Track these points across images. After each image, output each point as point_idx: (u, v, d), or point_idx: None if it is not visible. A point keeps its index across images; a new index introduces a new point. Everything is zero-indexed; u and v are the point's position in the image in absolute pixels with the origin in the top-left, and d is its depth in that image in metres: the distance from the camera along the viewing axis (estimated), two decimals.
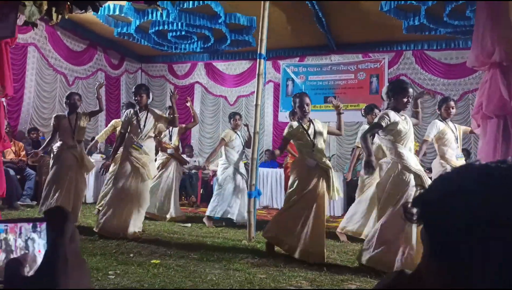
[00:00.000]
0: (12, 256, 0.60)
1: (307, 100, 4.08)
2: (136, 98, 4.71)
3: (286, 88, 10.27)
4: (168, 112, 5.67)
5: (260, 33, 4.62)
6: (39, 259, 0.58)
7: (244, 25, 7.70)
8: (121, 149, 4.84)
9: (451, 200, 0.57)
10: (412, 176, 3.25)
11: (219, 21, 7.47)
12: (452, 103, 4.50)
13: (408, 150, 3.38)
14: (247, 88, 10.49)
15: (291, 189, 3.88)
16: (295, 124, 4.05)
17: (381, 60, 9.58)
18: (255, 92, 4.64)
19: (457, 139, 4.50)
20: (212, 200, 5.68)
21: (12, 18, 2.49)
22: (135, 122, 4.64)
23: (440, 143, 4.42)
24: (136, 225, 4.48)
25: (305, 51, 9.94)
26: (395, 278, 0.78)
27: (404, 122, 3.42)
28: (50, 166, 4.97)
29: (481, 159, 2.02)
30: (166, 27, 7.71)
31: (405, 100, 3.44)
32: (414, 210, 0.65)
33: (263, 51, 4.62)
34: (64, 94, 8.89)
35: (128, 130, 4.68)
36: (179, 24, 7.54)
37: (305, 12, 7.30)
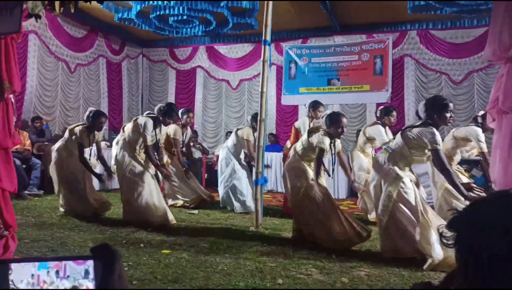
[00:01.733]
0: None
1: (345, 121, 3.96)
2: (169, 120, 4.73)
3: (288, 71, 10.19)
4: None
5: (264, 19, 4.55)
6: None
7: (246, 8, 7.57)
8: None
9: (491, 226, 0.57)
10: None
11: (221, 4, 7.35)
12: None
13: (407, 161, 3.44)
14: (250, 72, 10.40)
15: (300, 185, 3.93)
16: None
17: (385, 41, 9.45)
18: (261, 79, 4.60)
19: None
20: (224, 197, 5.80)
21: (17, 13, 2.46)
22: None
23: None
24: None
25: (308, 33, 9.80)
26: (422, 288, 0.79)
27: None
28: (57, 171, 4.97)
29: (495, 153, 2.02)
30: (167, 11, 7.58)
31: (448, 115, 3.29)
32: (449, 234, 0.65)
33: (268, 37, 4.56)
34: (67, 81, 8.91)
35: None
36: (181, 8, 7.42)
37: None
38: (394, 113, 5.30)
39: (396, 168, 3.37)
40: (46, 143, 7.29)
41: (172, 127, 5.59)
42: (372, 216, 4.99)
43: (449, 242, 0.65)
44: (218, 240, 3.89)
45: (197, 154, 8.39)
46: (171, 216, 4.58)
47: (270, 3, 4.55)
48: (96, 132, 5.03)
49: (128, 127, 4.86)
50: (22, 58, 7.72)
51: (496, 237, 0.57)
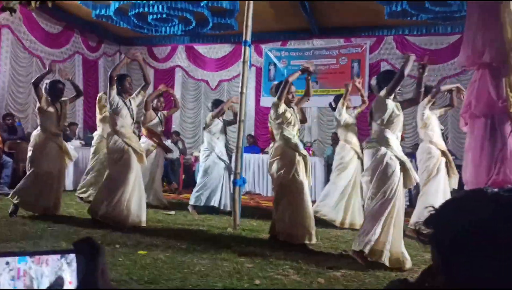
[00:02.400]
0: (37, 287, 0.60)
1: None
2: (126, 85, 4.64)
3: (268, 73, 10.24)
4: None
5: (245, 20, 4.56)
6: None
7: (226, 8, 7.57)
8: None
9: (468, 224, 0.59)
10: (398, 165, 3.32)
11: (201, 4, 7.33)
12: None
13: (395, 137, 3.43)
14: (229, 73, 10.39)
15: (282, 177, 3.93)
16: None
17: (362, 45, 9.62)
18: (241, 80, 4.61)
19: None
20: (195, 189, 5.68)
21: None
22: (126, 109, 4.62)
23: (426, 128, 4.52)
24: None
25: (288, 35, 9.89)
26: (398, 286, 0.81)
27: (396, 108, 3.46)
28: (32, 155, 4.81)
29: (467, 155, 2.09)
30: (146, 9, 7.51)
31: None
32: (426, 231, 0.67)
33: (249, 38, 4.57)
34: None
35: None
36: (160, 6, 7.36)
37: None
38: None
39: (388, 153, 3.32)
40: (18, 140, 7.08)
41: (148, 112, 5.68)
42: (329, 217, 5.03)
43: (426, 239, 0.67)
44: (196, 241, 3.86)
45: (175, 154, 8.32)
46: (144, 218, 4.50)
47: (251, 4, 4.57)
48: (63, 104, 4.94)
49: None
50: None
51: (471, 232, 0.60)
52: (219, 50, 10.51)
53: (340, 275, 3.08)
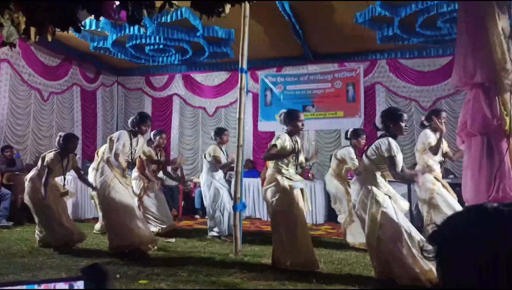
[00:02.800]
0: None
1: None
2: (144, 127, 4.71)
3: (264, 98, 10.36)
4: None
5: (241, 48, 4.66)
6: None
7: (222, 37, 7.73)
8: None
9: (470, 240, 0.60)
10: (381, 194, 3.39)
11: (197, 34, 7.49)
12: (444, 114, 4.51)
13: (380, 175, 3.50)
14: (226, 99, 10.50)
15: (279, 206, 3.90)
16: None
17: (356, 69, 9.78)
18: (238, 106, 4.67)
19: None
20: (211, 220, 5.64)
21: None
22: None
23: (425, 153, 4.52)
24: None
25: (283, 62, 10.06)
26: None
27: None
28: (32, 198, 4.76)
29: (466, 173, 2.12)
30: (143, 40, 7.66)
31: (403, 124, 3.47)
32: (430, 248, 0.68)
33: (245, 65, 4.66)
34: (39, 109, 8.73)
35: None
36: (157, 37, 7.50)
37: (282, 24, 7.40)
38: (364, 135, 5.43)
39: (374, 188, 3.41)
40: (16, 172, 7.06)
41: (146, 148, 5.61)
42: (350, 241, 5.01)
43: (430, 256, 0.68)
44: (197, 268, 3.82)
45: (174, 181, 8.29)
46: (154, 237, 4.53)
47: (246, 33, 4.68)
48: (70, 158, 4.92)
49: (104, 147, 4.82)
50: None
51: (474, 248, 0.60)
52: (216, 78, 10.65)
53: None
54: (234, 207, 4.57)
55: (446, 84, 8.99)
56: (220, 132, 5.78)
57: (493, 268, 0.57)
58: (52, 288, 0.61)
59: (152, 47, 8.02)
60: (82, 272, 0.60)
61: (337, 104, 9.82)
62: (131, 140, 4.62)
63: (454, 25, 6.32)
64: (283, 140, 3.94)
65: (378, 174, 3.47)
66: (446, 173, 7.15)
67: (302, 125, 4.07)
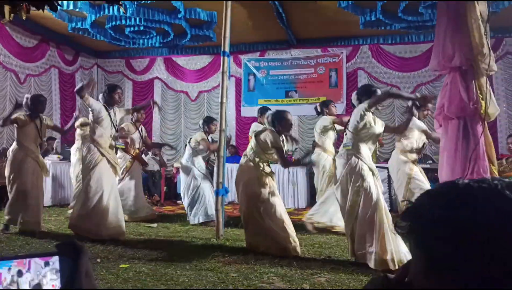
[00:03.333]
0: None
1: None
2: (116, 95, 4.66)
3: (248, 83, 10.30)
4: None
5: (223, 31, 4.60)
6: None
7: (204, 20, 7.62)
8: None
9: (442, 215, 0.62)
10: (366, 168, 3.43)
11: (179, 16, 7.35)
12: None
13: (367, 148, 3.55)
14: (209, 83, 10.41)
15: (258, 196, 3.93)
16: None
17: (339, 55, 9.80)
18: (220, 90, 4.63)
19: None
20: (188, 207, 5.63)
21: None
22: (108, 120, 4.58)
23: (403, 137, 4.63)
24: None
25: (266, 46, 9.99)
26: (379, 283, 0.83)
27: (373, 122, 3.55)
28: (10, 172, 4.70)
29: (443, 156, 2.16)
30: (123, 22, 7.48)
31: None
32: (404, 223, 0.69)
33: (227, 49, 4.60)
34: (16, 92, 8.49)
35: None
36: (137, 19, 7.34)
37: (266, 8, 7.33)
38: (333, 103, 5.55)
39: (360, 161, 3.44)
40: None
41: (124, 124, 5.60)
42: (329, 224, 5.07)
43: (403, 232, 0.69)
44: (179, 253, 3.82)
45: (155, 166, 8.25)
46: (122, 230, 4.46)
47: (228, 15, 4.61)
48: (43, 119, 4.86)
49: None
50: None
51: (445, 222, 0.62)
52: (198, 62, 10.52)
53: (324, 280, 3.10)
54: (217, 192, 4.57)
55: (427, 70, 9.10)
56: (208, 121, 5.76)
57: (464, 243, 0.58)
58: (27, 263, 0.59)
59: (132, 28, 7.85)
60: (57, 248, 0.59)
61: (320, 90, 9.85)
62: (108, 112, 4.57)
63: (436, 11, 6.37)
64: (280, 140, 3.99)
65: (363, 140, 3.50)
66: (424, 158, 7.31)
67: (291, 125, 4.13)
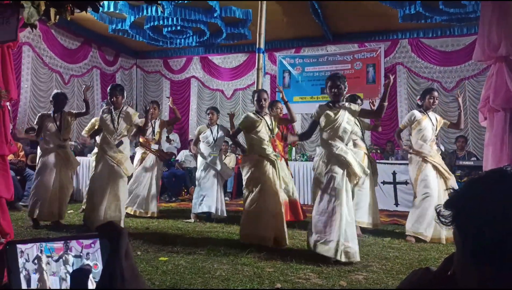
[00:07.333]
0: (62, 274, 0.62)
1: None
2: (112, 99, 4.80)
3: (283, 80, 10.27)
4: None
5: (258, 28, 4.62)
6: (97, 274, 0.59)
7: (239, 18, 7.66)
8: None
9: (486, 204, 0.59)
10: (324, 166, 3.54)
11: (215, 15, 7.43)
12: (435, 94, 4.56)
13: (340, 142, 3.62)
14: (244, 81, 10.47)
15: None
16: None
17: (377, 50, 9.57)
18: (256, 87, 4.64)
19: (436, 130, 4.56)
20: (194, 197, 5.73)
21: (13, 21, 2.48)
22: (109, 121, 4.77)
23: (416, 134, 4.48)
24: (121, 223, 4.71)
25: (301, 42, 9.91)
26: (421, 276, 0.80)
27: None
28: (38, 168, 5.05)
29: (488, 150, 2.06)
30: (161, 22, 7.65)
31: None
32: (447, 213, 0.67)
33: (262, 45, 4.61)
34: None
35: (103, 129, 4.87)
36: (174, 19, 7.49)
37: (300, 4, 7.27)
38: (359, 101, 5.40)
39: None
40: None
41: (138, 120, 5.71)
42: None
43: (447, 221, 0.67)
44: (215, 247, 3.88)
45: (193, 162, 8.35)
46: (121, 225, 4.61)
47: (264, 12, 4.62)
48: (64, 114, 5.16)
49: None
50: (16, 70, 7.71)
51: (493, 212, 0.59)
52: (234, 60, 10.61)
53: (362, 278, 3.05)
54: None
55: (470, 64, 8.72)
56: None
57: (510, 230, 0.56)
58: (69, 245, 0.62)
59: (169, 28, 8.02)
60: (97, 230, 0.61)
61: (357, 86, 9.64)
62: (111, 114, 4.76)
63: (479, 2, 6.09)
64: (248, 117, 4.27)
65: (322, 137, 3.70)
66: (468, 155, 6.99)
67: (264, 102, 4.28)
